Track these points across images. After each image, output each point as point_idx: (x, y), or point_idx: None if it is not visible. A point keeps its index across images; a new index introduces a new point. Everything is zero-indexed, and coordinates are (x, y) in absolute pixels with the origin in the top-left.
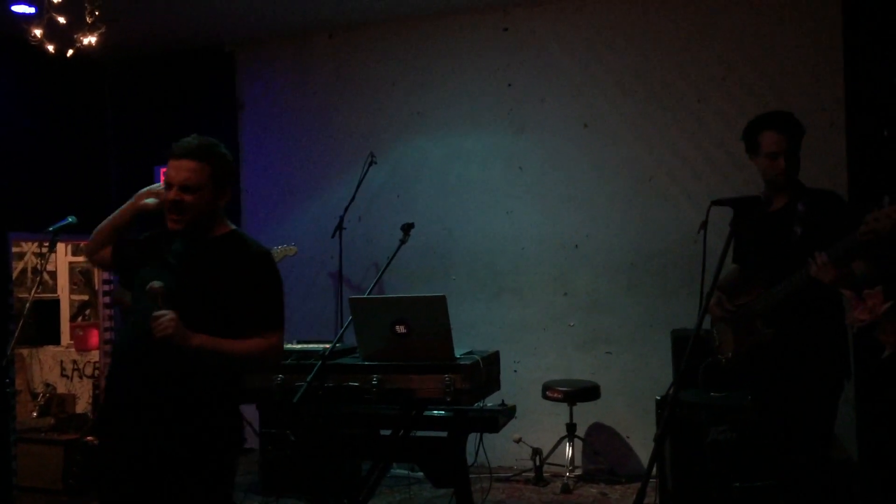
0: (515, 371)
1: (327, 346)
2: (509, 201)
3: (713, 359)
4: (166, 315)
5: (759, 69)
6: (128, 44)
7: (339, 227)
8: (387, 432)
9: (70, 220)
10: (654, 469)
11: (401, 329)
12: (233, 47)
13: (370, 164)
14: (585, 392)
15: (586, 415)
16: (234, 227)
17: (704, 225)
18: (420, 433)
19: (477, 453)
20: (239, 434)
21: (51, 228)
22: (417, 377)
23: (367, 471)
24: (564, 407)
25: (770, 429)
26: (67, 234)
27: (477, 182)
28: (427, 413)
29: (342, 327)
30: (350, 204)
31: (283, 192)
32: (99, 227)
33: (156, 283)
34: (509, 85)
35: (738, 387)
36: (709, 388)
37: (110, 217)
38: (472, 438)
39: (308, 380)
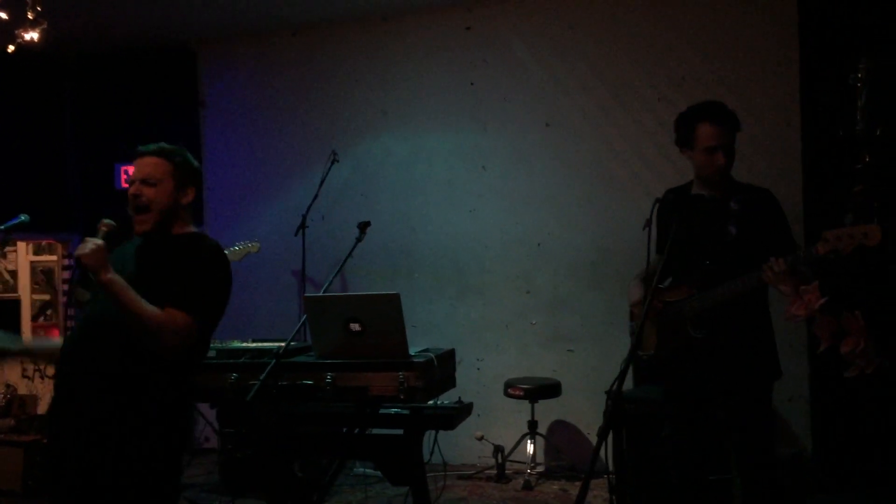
0: (478, 369)
1: (282, 344)
2: (472, 200)
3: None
4: (94, 241)
5: (717, 70)
6: (88, 41)
7: (303, 226)
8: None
9: (22, 218)
10: (611, 465)
11: (355, 327)
12: (195, 45)
13: (333, 162)
14: (546, 389)
15: (548, 412)
16: (196, 230)
17: (649, 223)
18: (377, 431)
19: (433, 451)
20: (182, 434)
21: (1, 227)
22: (371, 375)
23: (322, 469)
24: (526, 404)
25: (695, 431)
26: (20, 233)
27: (440, 181)
28: (383, 411)
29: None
30: (313, 202)
31: (246, 191)
32: None
33: (107, 220)
34: (472, 84)
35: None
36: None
37: None
38: (441, 436)
39: (261, 378)
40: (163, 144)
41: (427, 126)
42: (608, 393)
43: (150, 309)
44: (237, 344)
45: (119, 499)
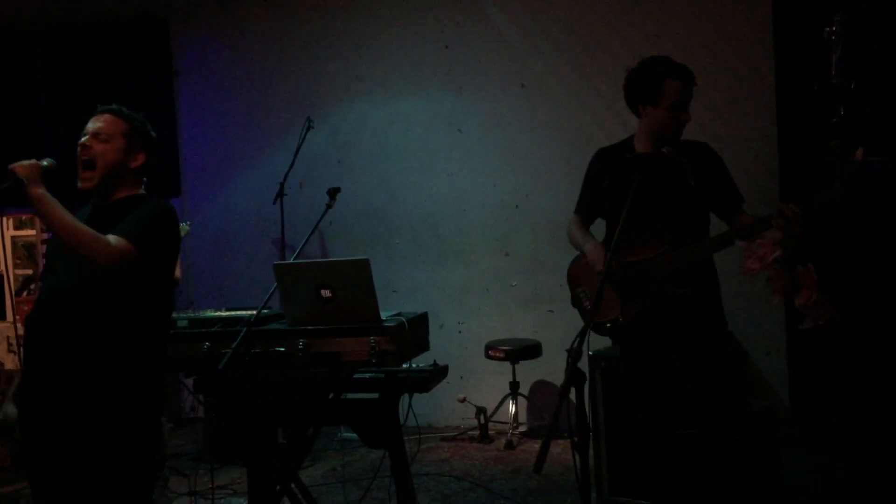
0: (460, 332)
1: (255, 312)
2: (450, 164)
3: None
4: (29, 161)
5: (690, 27)
6: (59, 12)
7: (280, 194)
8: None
9: None
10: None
11: (326, 293)
12: (166, 14)
13: (308, 129)
14: (527, 350)
15: (529, 373)
16: (144, 192)
17: (609, 181)
18: (352, 396)
19: (407, 414)
20: (157, 402)
21: None
22: (343, 340)
23: (291, 437)
24: (507, 366)
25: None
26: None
27: (417, 145)
28: (358, 375)
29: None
30: (290, 170)
31: (222, 160)
32: None
33: (47, 161)
34: (447, 47)
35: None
36: None
37: None
38: (425, 400)
39: (233, 346)
40: (124, 108)
41: (402, 91)
42: (568, 351)
43: (82, 226)
44: (210, 313)
45: (96, 472)
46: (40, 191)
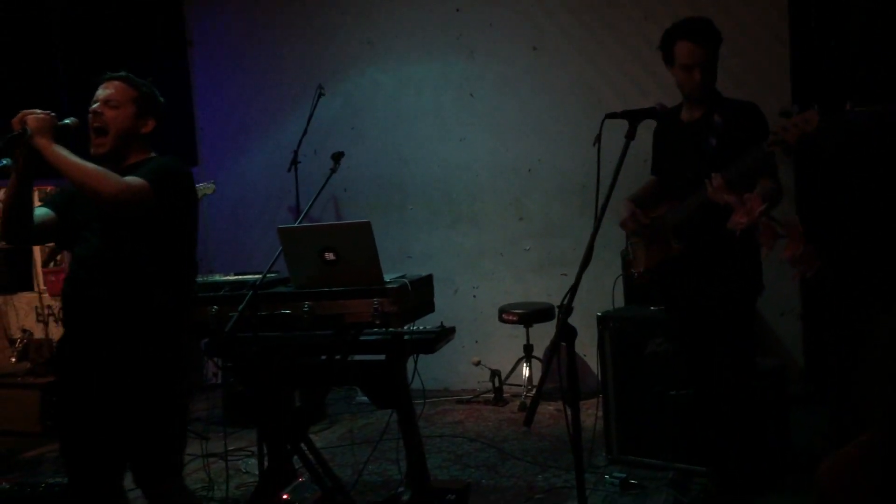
0: (474, 297)
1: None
2: (462, 129)
3: (626, 273)
4: (43, 112)
5: None
6: None
7: (294, 162)
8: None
9: (4, 162)
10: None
11: (329, 256)
12: None
13: (319, 96)
14: (540, 314)
15: (543, 336)
16: (154, 155)
17: (598, 138)
18: (361, 357)
19: (414, 376)
20: (184, 365)
21: None
22: (347, 302)
23: (305, 399)
24: (521, 329)
25: (688, 341)
26: (4, 177)
27: (429, 110)
28: (364, 338)
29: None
30: (303, 137)
31: (237, 129)
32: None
33: (70, 119)
34: (457, 10)
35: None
36: (638, 300)
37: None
38: (441, 363)
39: (240, 309)
40: (131, 74)
41: (414, 56)
42: (559, 307)
43: (96, 166)
44: (217, 277)
45: (128, 431)
46: (44, 140)
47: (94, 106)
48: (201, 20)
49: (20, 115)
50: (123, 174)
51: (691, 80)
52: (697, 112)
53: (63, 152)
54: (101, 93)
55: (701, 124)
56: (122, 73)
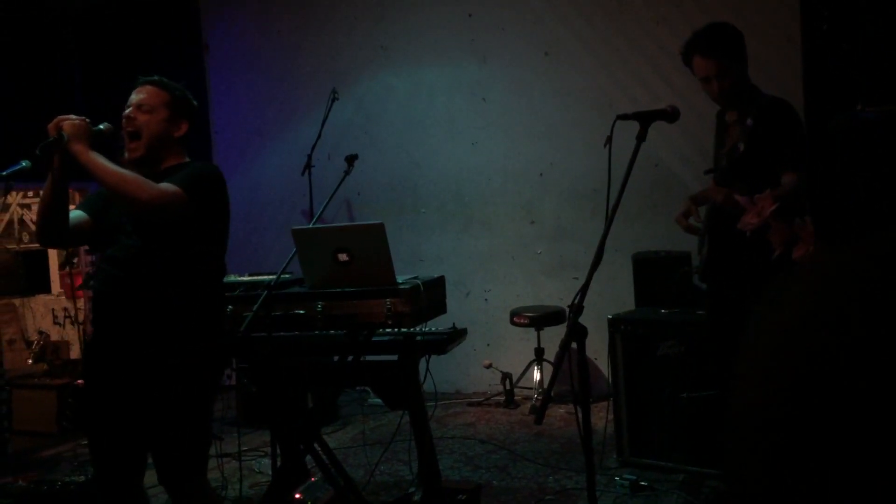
0: (486, 300)
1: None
2: (474, 132)
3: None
4: (78, 118)
5: None
6: None
7: (308, 166)
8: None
9: (24, 164)
10: (619, 388)
11: (343, 257)
12: None
13: (333, 101)
14: (551, 317)
15: (554, 339)
16: (189, 160)
17: (610, 140)
18: (371, 358)
19: (426, 377)
20: (216, 368)
21: (3, 173)
22: (360, 302)
23: (317, 399)
24: (533, 332)
25: (715, 342)
26: (22, 180)
27: (442, 115)
28: (377, 338)
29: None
30: (317, 142)
31: (252, 133)
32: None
33: (104, 125)
34: (470, 15)
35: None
36: (649, 302)
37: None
38: (452, 366)
39: (254, 309)
40: (164, 78)
41: (426, 60)
42: (570, 307)
43: (130, 172)
44: (232, 278)
45: (155, 433)
46: (80, 146)
47: (128, 111)
48: (217, 25)
49: (56, 120)
50: (159, 178)
51: (712, 91)
52: (734, 114)
53: (99, 159)
54: (135, 97)
55: (737, 127)
56: (155, 77)
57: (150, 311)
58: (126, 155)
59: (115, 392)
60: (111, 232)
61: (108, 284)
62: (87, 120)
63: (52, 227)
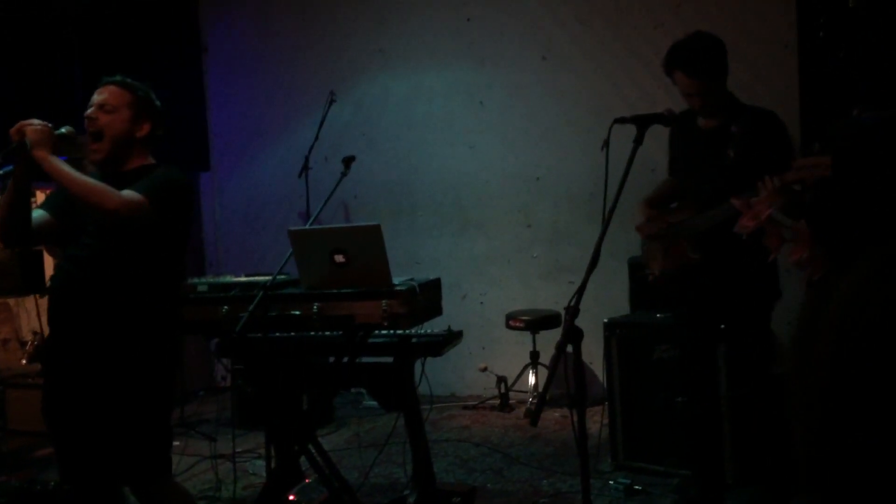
0: (482, 303)
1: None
2: (472, 136)
3: (640, 275)
4: (41, 123)
5: None
6: None
7: (305, 168)
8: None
9: (10, 168)
10: (614, 391)
11: (339, 258)
12: None
13: (331, 103)
14: (547, 320)
15: (550, 343)
16: (154, 161)
17: (607, 143)
18: (367, 360)
19: (421, 379)
20: (172, 364)
21: None
22: (356, 304)
23: (312, 401)
24: (528, 336)
25: (701, 348)
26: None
27: (439, 118)
28: (372, 340)
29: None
30: (314, 144)
31: (250, 135)
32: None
33: (65, 128)
34: (468, 19)
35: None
36: (645, 306)
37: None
38: (448, 369)
39: (250, 309)
40: (128, 78)
41: (425, 64)
42: (566, 309)
43: (95, 181)
44: (229, 278)
45: (113, 430)
46: (43, 152)
47: (90, 111)
48: (216, 27)
49: (18, 125)
50: (122, 179)
51: (693, 104)
52: (714, 120)
53: (61, 165)
54: (97, 97)
55: (718, 134)
56: (118, 78)
57: (106, 311)
58: (89, 156)
59: (71, 393)
60: (74, 231)
61: (67, 283)
62: (50, 125)
63: (14, 228)
